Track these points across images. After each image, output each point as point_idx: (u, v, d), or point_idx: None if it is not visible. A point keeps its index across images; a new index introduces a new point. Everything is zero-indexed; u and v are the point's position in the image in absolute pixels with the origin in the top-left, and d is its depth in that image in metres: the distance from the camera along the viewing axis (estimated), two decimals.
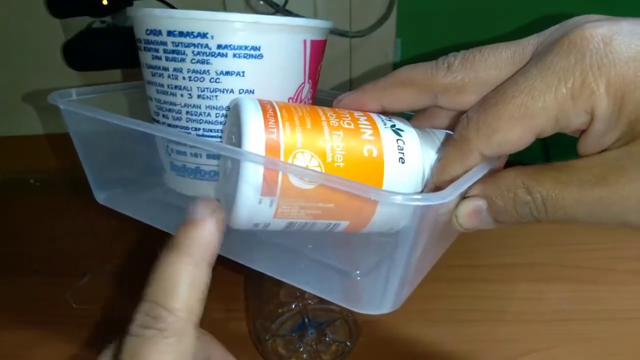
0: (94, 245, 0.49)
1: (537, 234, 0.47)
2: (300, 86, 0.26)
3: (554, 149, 0.59)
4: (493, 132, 0.19)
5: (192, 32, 0.24)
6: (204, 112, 0.25)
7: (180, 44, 0.24)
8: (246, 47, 0.24)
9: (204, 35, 0.24)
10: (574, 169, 0.19)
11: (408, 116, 0.25)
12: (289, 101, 0.26)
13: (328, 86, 0.59)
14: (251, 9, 0.52)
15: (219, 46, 0.24)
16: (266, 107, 0.21)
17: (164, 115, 0.27)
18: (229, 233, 0.20)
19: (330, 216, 0.21)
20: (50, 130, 0.61)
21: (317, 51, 0.27)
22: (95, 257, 0.47)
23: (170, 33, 0.24)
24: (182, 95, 0.25)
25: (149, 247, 0.49)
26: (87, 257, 0.47)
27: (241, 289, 0.42)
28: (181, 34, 0.24)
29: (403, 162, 0.22)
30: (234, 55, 0.24)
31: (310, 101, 0.28)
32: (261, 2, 0.51)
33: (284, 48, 0.25)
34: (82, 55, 0.50)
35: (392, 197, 0.18)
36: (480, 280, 0.42)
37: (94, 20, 0.53)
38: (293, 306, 0.32)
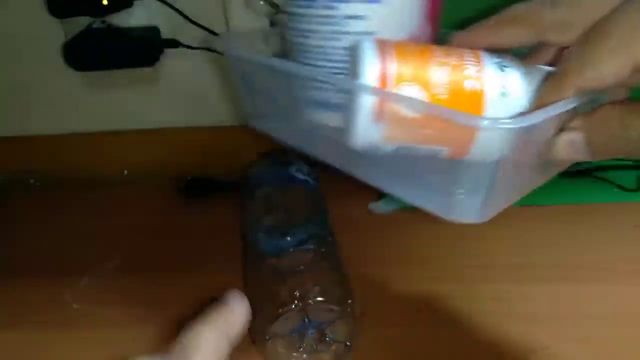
0: (94, 245, 0.49)
1: (537, 234, 0.47)
2: (419, 26, 0.28)
3: None
4: (589, 65, 0.21)
5: None
6: (333, 52, 0.28)
7: None
8: None
9: None
10: None
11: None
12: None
13: None
14: (251, 9, 0.52)
15: None
16: (381, 45, 0.24)
17: (303, 57, 0.30)
18: (353, 151, 0.25)
19: (433, 142, 0.24)
20: (50, 131, 0.61)
21: None
22: (95, 257, 0.47)
23: None
24: (315, 37, 0.28)
25: (149, 246, 0.50)
26: (86, 257, 0.47)
27: (241, 288, 0.42)
28: None
29: (504, 96, 0.24)
30: (356, 1, 0.27)
31: (431, 39, 0.29)
32: (261, 3, 0.51)
33: None
34: (83, 55, 0.51)
35: (479, 120, 0.21)
36: (480, 281, 0.42)
37: (94, 20, 0.53)
38: (293, 306, 0.32)
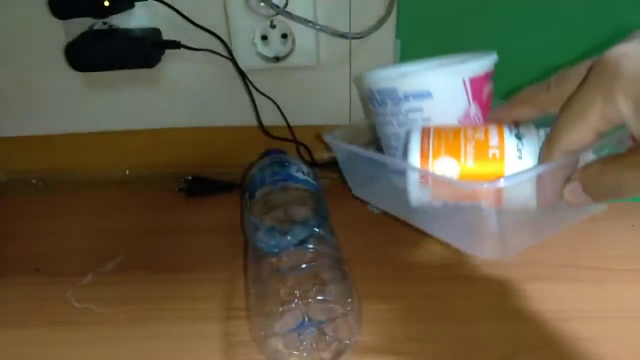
0: (96, 244, 0.50)
1: None
2: (466, 109, 0.35)
3: None
4: (561, 134, 0.27)
5: (387, 88, 0.36)
6: (402, 136, 0.37)
7: (383, 96, 0.37)
8: (419, 92, 0.35)
9: (394, 90, 0.36)
10: (632, 155, 0.25)
11: None
12: (457, 121, 0.36)
13: (327, 86, 0.59)
14: (252, 10, 0.52)
15: (404, 94, 0.35)
16: (424, 131, 0.33)
17: (385, 140, 0.40)
18: (412, 208, 0.34)
19: (468, 198, 0.32)
20: (50, 131, 0.62)
21: (478, 82, 0.36)
22: (96, 256, 0.47)
23: (376, 91, 0.38)
24: (389, 126, 0.38)
25: (150, 246, 0.50)
26: (88, 256, 0.47)
27: (242, 287, 0.42)
28: (379, 91, 0.37)
29: (520, 158, 0.30)
30: (413, 98, 0.35)
31: (481, 118, 0.36)
32: (262, 4, 0.52)
33: (446, 88, 0.35)
34: (84, 56, 0.51)
35: (470, 185, 0.30)
36: (479, 279, 0.42)
37: (96, 22, 0.53)
38: (293, 305, 0.33)
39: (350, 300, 0.34)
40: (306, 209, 0.42)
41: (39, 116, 0.61)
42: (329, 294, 0.34)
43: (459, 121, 0.35)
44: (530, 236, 0.35)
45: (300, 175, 0.45)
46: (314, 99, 0.60)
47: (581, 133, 0.26)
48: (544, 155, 0.29)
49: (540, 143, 0.30)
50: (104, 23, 0.53)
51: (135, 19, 0.53)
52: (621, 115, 0.23)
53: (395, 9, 0.54)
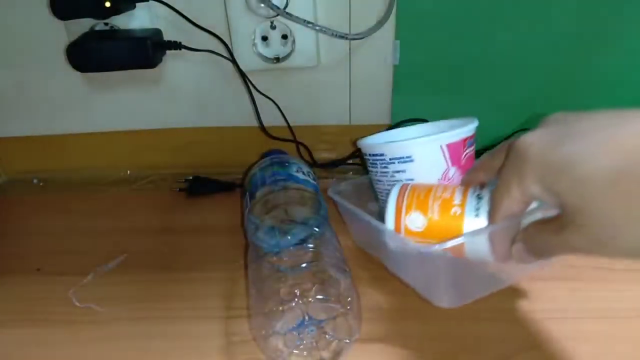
0: (97, 244, 0.50)
1: None
2: (445, 171, 0.41)
3: None
4: (497, 205, 0.31)
5: (377, 153, 0.42)
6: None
7: (374, 159, 0.43)
8: (402, 157, 0.41)
9: (382, 155, 0.42)
10: (553, 222, 0.28)
11: None
12: (437, 181, 0.41)
13: (327, 87, 0.59)
14: (252, 11, 0.53)
15: (390, 159, 0.41)
16: (402, 188, 0.39)
17: (379, 193, 0.45)
18: (387, 249, 0.40)
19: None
20: (52, 131, 0.62)
21: (456, 147, 0.40)
22: (97, 256, 0.47)
23: (369, 155, 0.44)
24: (381, 183, 0.44)
25: (150, 246, 0.50)
26: (89, 255, 0.47)
27: (242, 286, 0.42)
28: (371, 154, 0.43)
29: (477, 217, 0.35)
30: (398, 162, 0.41)
31: (459, 178, 0.41)
32: (262, 5, 0.52)
33: (426, 154, 0.40)
34: (86, 56, 0.51)
35: (426, 247, 0.35)
36: None
37: (97, 23, 0.53)
38: (293, 304, 0.33)
39: (350, 299, 0.34)
40: (306, 208, 0.42)
41: (39, 116, 0.61)
42: (329, 293, 0.34)
43: (438, 182, 0.41)
44: (482, 288, 0.39)
45: (300, 175, 0.46)
46: (314, 99, 0.60)
47: (510, 204, 0.30)
48: (489, 220, 0.33)
49: None
50: (106, 24, 0.53)
51: (137, 20, 0.53)
52: (533, 193, 0.28)
53: (395, 9, 0.54)
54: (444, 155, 0.40)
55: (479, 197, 0.36)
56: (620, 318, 0.38)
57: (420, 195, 0.37)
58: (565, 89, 0.57)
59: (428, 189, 0.38)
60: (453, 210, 0.36)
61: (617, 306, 0.39)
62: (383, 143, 0.42)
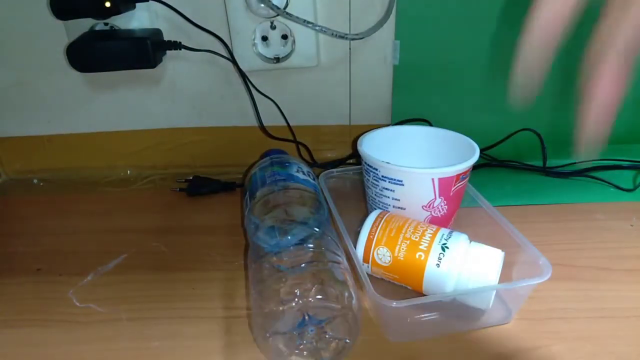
0: (96, 244, 0.50)
1: (534, 233, 0.47)
2: (431, 200, 0.42)
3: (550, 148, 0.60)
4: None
5: (371, 166, 0.44)
6: (381, 205, 0.46)
7: (369, 168, 0.45)
8: (394, 179, 0.43)
9: (376, 169, 0.44)
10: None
11: None
12: (422, 208, 0.43)
13: (327, 87, 0.59)
14: (252, 12, 0.53)
15: (383, 176, 0.43)
16: (377, 219, 0.41)
17: (366, 195, 0.48)
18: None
19: (399, 281, 0.39)
20: (52, 131, 0.62)
21: (447, 181, 0.42)
22: (97, 256, 0.47)
23: (366, 161, 0.45)
24: (370, 190, 0.46)
25: (151, 245, 0.50)
26: (89, 255, 0.47)
27: (242, 286, 0.42)
28: (368, 165, 0.45)
29: (438, 266, 0.37)
30: (389, 181, 0.43)
31: (445, 209, 0.43)
32: (262, 5, 0.52)
33: (416, 182, 0.42)
34: (85, 56, 0.51)
35: (378, 299, 0.34)
36: None
37: (97, 23, 0.53)
38: (293, 304, 0.33)
39: (349, 299, 0.34)
40: (306, 208, 0.42)
41: (39, 116, 0.61)
42: (329, 294, 0.34)
43: (423, 209, 0.43)
44: (425, 332, 0.38)
45: (300, 175, 0.46)
46: (314, 100, 0.60)
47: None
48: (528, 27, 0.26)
49: (467, 256, 0.37)
50: (106, 24, 0.53)
51: (137, 20, 0.54)
52: None
53: (394, 9, 0.54)
54: (434, 187, 0.42)
55: (444, 247, 0.37)
56: (620, 318, 0.38)
57: (392, 231, 0.39)
58: (565, 89, 0.57)
59: (400, 226, 0.40)
60: (418, 254, 0.38)
61: (617, 306, 0.39)
62: (379, 160, 0.43)
